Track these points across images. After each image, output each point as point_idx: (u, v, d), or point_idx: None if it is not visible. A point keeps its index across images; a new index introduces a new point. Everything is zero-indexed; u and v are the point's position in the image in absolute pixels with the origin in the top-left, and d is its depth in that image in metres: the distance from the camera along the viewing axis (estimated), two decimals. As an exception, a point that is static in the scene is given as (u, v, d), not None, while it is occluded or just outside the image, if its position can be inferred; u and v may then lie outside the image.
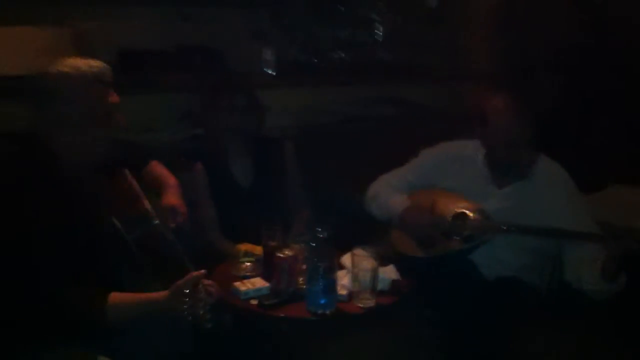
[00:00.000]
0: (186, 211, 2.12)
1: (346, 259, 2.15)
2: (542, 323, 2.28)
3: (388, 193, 2.47)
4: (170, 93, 3.23)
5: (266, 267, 2.13)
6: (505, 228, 2.22)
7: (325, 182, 2.78)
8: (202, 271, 1.73)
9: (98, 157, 1.86)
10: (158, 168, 2.30)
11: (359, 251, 2.04)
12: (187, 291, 1.64)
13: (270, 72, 3.48)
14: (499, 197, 2.34)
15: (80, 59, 1.80)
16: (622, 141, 3.49)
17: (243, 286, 2.05)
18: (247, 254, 2.26)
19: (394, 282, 2.10)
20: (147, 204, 1.94)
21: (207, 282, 1.74)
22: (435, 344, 2.20)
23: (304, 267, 2.05)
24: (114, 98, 1.84)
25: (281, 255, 2.02)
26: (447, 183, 2.42)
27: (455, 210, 2.30)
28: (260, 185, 2.67)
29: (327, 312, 1.90)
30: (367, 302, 1.97)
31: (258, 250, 2.24)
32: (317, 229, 1.87)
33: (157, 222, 1.91)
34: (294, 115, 3.60)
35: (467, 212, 2.29)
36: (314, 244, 1.88)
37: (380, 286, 2.02)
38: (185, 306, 1.62)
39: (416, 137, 2.75)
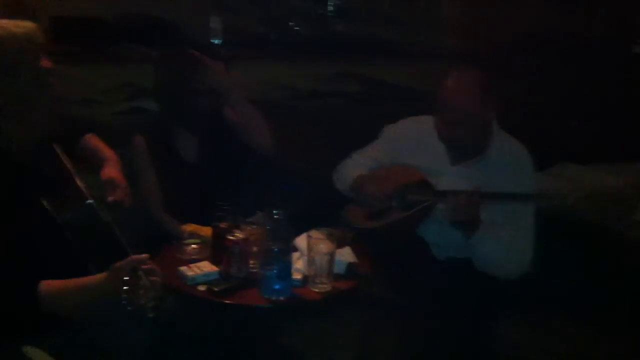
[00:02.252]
0: (127, 186, 1.98)
1: (300, 241, 2.04)
2: (492, 307, 2.26)
3: (350, 168, 2.47)
4: (112, 64, 3.04)
5: (215, 250, 2.00)
6: (441, 192, 2.20)
7: (279, 160, 2.64)
8: (143, 255, 1.58)
9: (28, 131, 1.68)
10: (94, 141, 2.15)
11: (315, 233, 1.94)
12: (127, 277, 1.50)
13: (224, 44, 3.32)
14: (453, 175, 2.31)
15: (7, 20, 1.63)
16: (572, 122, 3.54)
17: (190, 271, 1.92)
18: (192, 235, 2.13)
19: (350, 265, 2.01)
20: (79, 183, 1.78)
21: (148, 266, 1.59)
22: (391, 326, 2.14)
23: (255, 249, 1.94)
24: (46, 63, 1.67)
25: (232, 237, 1.90)
26: (406, 159, 2.39)
27: (403, 182, 2.30)
28: (207, 161, 2.52)
29: (282, 298, 1.80)
30: (324, 287, 1.88)
31: (204, 231, 2.12)
32: (274, 210, 1.74)
33: (90, 201, 1.75)
34: (247, 90, 3.46)
35: (410, 183, 2.29)
36: (269, 227, 1.75)
37: (336, 270, 1.93)
38: (124, 294, 1.49)
39: (377, 114, 2.68)
